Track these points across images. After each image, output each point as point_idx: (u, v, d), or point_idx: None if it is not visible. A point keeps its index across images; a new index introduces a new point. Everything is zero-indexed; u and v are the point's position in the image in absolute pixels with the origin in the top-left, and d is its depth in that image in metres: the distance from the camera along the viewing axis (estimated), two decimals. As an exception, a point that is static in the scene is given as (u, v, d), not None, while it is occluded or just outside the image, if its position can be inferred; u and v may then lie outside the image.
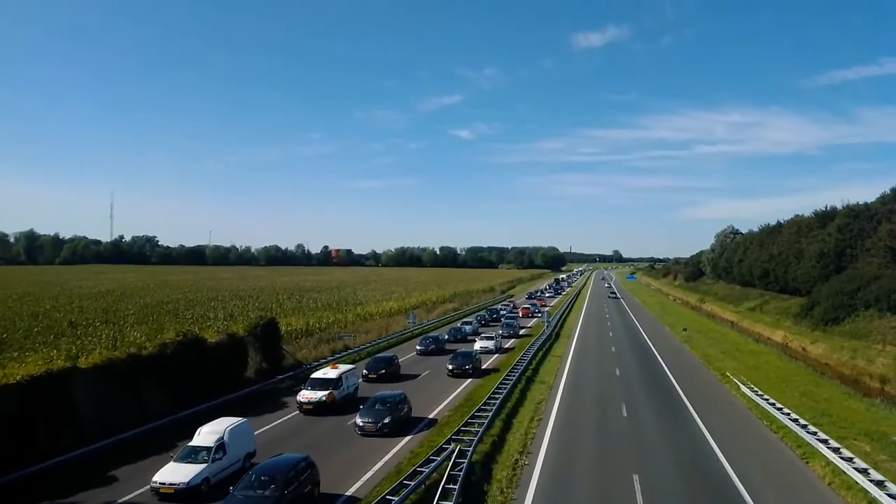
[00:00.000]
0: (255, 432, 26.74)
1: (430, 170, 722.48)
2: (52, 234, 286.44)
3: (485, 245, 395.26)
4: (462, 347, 51.70)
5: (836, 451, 24.39)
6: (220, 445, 22.17)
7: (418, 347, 52.23)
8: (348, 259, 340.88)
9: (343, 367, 35.38)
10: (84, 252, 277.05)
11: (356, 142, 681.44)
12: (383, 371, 40.75)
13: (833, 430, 27.93)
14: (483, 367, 44.95)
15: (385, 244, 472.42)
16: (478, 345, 52.84)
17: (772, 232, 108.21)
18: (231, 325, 46.32)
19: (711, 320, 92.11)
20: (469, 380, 40.50)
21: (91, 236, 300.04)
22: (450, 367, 42.28)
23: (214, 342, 36.34)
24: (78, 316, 56.62)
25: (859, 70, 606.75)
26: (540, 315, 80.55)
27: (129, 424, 27.89)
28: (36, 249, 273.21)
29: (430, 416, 31.46)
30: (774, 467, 24.51)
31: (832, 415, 31.84)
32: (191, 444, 22.42)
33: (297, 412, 31.94)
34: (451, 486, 20.27)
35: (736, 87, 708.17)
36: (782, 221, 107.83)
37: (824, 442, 25.62)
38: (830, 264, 77.33)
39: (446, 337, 58.42)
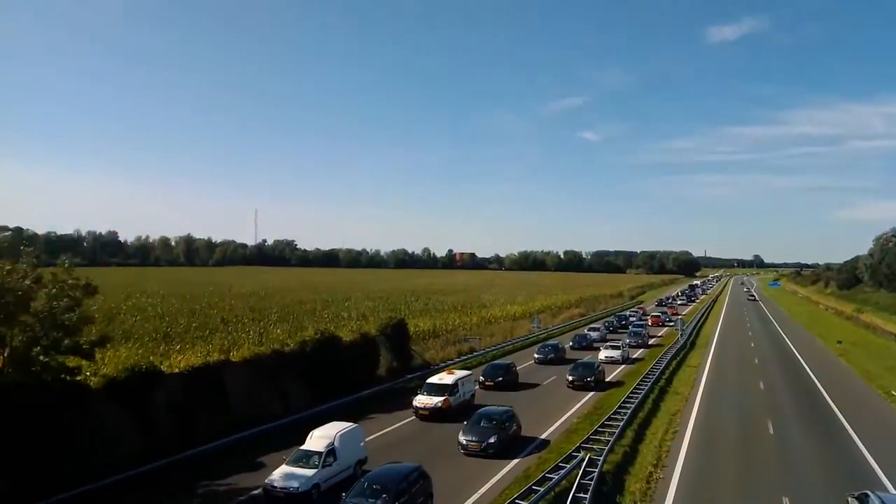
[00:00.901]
0: (373, 435, 27.45)
1: (554, 172, 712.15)
2: (206, 238, 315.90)
3: (612, 249, 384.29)
4: (587, 356, 49.75)
5: None
6: (331, 451, 21.99)
7: (536, 356, 49.94)
8: (472, 262, 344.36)
9: (459, 373, 34.57)
10: (233, 255, 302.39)
11: (478, 147, 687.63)
12: (500, 379, 39.14)
13: None
14: (607, 379, 42.17)
15: (508, 248, 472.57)
16: (602, 354, 50.26)
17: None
18: (363, 325, 48.33)
19: (871, 332, 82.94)
20: (591, 393, 37.86)
21: (238, 240, 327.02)
22: (569, 378, 39.69)
23: (349, 341, 38.06)
24: (228, 313, 61.61)
25: None
26: (672, 324, 76.61)
27: (272, 416, 29.94)
28: (193, 252, 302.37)
29: (543, 436, 28.74)
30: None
31: None
32: (302, 447, 22.39)
33: (415, 417, 31.74)
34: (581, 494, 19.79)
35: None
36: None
37: None
38: None
39: (570, 344, 56.66)
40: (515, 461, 25.05)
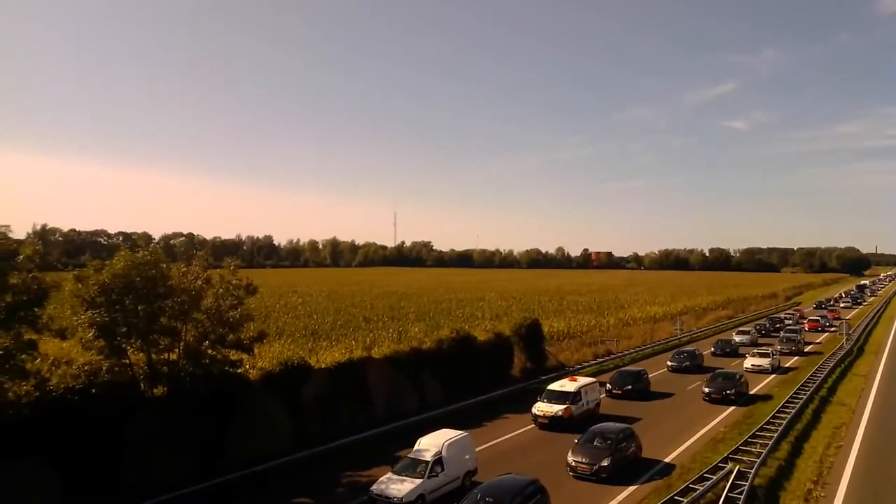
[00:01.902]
0: (489, 443, 27.12)
1: (697, 166, 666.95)
2: (349, 240, 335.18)
3: (763, 246, 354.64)
4: (731, 363, 45.97)
5: None
6: (438, 460, 21.07)
7: (670, 363, 46.31)
8: (608, 262, 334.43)
9: (583, 380, 32.90)
10: (374, 256, 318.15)
11: (616, 143, 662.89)
12: (629, 387, 36.75)
13: None
14: (752, 391, 38.25)
15: (647, 246, 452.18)
16: (748, 362, 46.12)
17: None
18: (497, 325, 48.76)
19: None
20: (731, 408, 34.05)
21: (379, 242, 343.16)
22: (706, 390, 36.09)
23: (483, 340, 38.61)
24: (370, 312, 64.88)
25: None
26: (833, 329, 69.34)
27: (410, 411, 31.15)
28: (338, 254, 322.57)
29: (667, 459, 25.54)
30: None
31: None
32: (410, 455, 21.74)
33: (534, 424, 30.50)
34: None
35: None
36: None
37: None
38: None
39: (710, 351, 52.92)
40: (631, 488, 22.30)
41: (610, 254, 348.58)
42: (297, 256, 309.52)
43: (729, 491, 19.72)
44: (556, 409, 30.09)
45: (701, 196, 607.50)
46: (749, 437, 25.78)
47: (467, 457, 22.57)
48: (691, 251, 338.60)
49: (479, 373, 36.27)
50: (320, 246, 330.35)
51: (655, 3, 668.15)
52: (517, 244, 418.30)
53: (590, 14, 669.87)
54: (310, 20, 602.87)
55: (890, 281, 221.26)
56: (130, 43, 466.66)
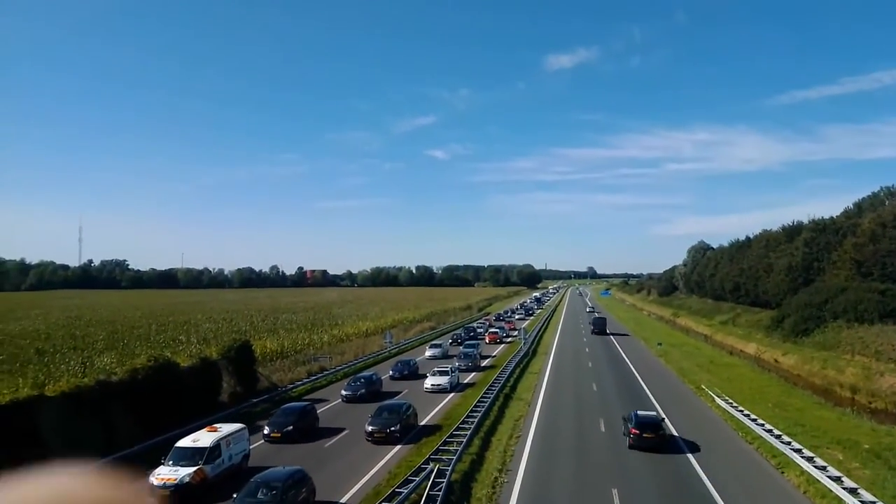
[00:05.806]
0: None
1: (405, 190, 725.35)
2: (17, 259, 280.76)
3: (461, 263, 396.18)
4: (412, 385, 44.25)
5: (809, 460, 24.75)
6: None
7: (344, 393, 40.06)
8: (323, 280, 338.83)
9: (226, 429, 25.76)
10: (51, 278, 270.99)
11: (330, 163, 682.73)
12: (290, 428, 30.39)
13: (806, 440, 28.36)
14: (424, 421, 34.08)
15: (360, 264, 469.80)
16: (429, 382, 43.16)
17: (741, 247, 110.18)
18: (204, 349, 45.60)
19: (685, 334, 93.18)
20: (396, 447, 28.99)
21: (59, 261, 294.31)
22: (368, 429, 29.92)
23: (187, 366, 35.75)
24: (44, 343, 55.23)
25: (821, 90, 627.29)
26: (510, 340, 77.81)
27: (99, 453, 27.17)
28: (1, 276, 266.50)
29: None
30: (751, 478, 24.78)
31: (805, 424, 32.32)
32: None
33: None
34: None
35: (703, 107, 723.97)
36: (751, 236, 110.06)
37: (798, 451, 25.98)
38: (799, 277, 79.00)
39: (390, 374, 48.33)
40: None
41: (325, 272, 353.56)
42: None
43: (430, 489, 21.31)
44: (182, 473, 22.38)
45: (408, 217, 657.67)
46: (447, 438, 28.29)
47: None
48: (400, 269, 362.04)
49: (181, 402, 33.34)
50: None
51: (366, 28, 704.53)
52: (228, 262, 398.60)
53: (301, 35, 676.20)
54: None
55: (556, 292, 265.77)
56: None
